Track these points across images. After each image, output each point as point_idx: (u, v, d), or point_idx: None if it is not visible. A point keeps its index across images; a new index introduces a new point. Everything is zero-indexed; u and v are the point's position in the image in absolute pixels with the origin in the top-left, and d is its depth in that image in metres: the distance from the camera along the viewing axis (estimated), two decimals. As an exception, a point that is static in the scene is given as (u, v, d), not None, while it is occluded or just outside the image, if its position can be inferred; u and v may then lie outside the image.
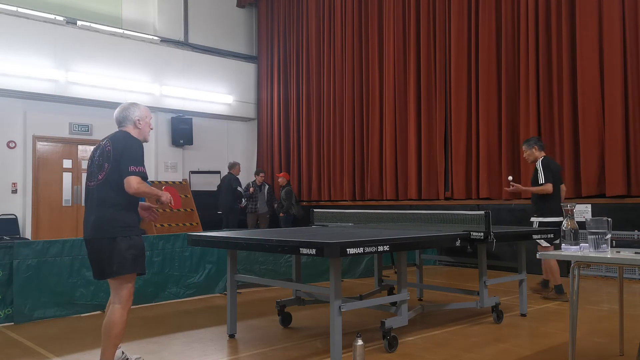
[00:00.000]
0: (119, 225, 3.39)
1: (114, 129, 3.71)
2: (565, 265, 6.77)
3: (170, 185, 3.71)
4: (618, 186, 7.49)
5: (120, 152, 3.40)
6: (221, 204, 11.21)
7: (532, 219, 6.20)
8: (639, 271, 7.14)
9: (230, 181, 11.17)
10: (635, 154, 7.46)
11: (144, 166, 3.45)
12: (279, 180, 11.41)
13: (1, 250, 5.21)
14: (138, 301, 5.93)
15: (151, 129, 3.80)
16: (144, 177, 3.40)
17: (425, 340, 4.40)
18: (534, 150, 6.30)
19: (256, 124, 13.91)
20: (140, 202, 3.65)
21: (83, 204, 3.65)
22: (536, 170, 6.18)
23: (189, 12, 12.85)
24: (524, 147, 6.43)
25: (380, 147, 10.84)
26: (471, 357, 3.95)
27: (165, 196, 3.58)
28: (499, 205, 8.75)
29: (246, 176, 12.79)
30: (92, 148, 3.73)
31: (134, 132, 3.62)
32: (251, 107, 13.75)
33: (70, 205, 11.07)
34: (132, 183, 3.34)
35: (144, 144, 3.65)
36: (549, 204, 6.06)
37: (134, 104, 3.72)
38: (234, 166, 11.35)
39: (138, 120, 3.66)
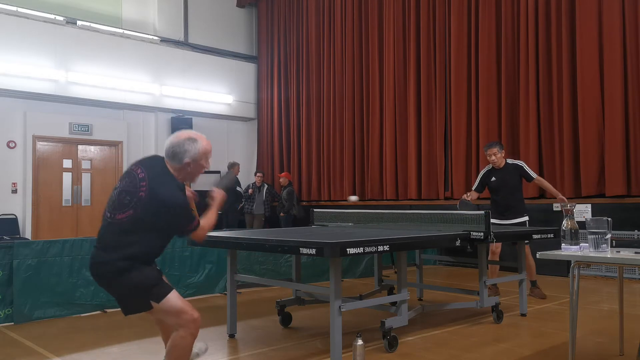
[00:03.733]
0: (115, 269, 2.85)
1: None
2: (565, 265, 6.78)
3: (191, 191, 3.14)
4: (618, 186, 7.49)
5: (158, 207, 2.81)
6: (220, 204, 11.21)
7: (523, 219, 6.16)
8: (639, 271, 7.14)
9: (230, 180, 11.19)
10: (635, 154, 7.46)
11: (194, 216, 2.96)
12: (281, 180, 11.42)
13: (1, 250, 5.21)
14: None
15: (205, 170, 3.10)
16: (198, 227, 2.96)
17: (425, 340, 4.40)
18: (503, 152, 6.30)
19: (256, 124, 13.91)
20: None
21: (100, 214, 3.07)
22: (519, 168, 6.19)
23: (189, 12, 12.86)
24: (495, 149, 6.19)
25: (380, 147, 10.84)
26: (471, 357, 3.95)
27: (215, 205, 3.19)
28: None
29: (246, 176, 12.80)
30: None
31: (177, 174, 2.95)
32: (251, 107, 13.75)
33: (70, 205, 11.06)
34: (200, 236, 2.99)
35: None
36: (523, 203, 6.27)
37: (192, 140, 2.99)
38: (233, 166, 11.34)
39: (189, 162, 2.96)
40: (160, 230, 2.91)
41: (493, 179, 6.26)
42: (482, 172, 6.46)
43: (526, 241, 5.69)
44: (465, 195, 6.32)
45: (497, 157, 6.19)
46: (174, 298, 2.92)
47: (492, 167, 6.29)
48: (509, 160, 6.34)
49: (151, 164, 2.97)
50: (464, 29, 9.47)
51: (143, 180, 2.86)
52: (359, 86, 11.35)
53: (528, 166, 6.37)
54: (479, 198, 6.51)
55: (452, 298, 6.08)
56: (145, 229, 2.85)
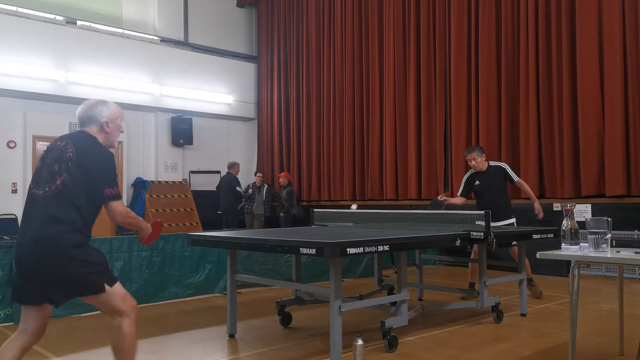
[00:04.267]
0: (71, 244, 2.77)
1: None
2: (565, 265, 6.77)
3: (159, 221, 3.15)
4: (618, 186, 7.49)
5: (88, 167, 2.83)
6: (221, 204, 11.22)
7: (511, 220, 6.14)
8: (639, 271, 7.14)
9: (229, 181, 11.18)
10: (635, 154, 7.46)
11: (117, 185, 2.92)
12: (280, 180, 11.42)
13: (1, 250, 5.21)
14: (138, 301, 5.91)
15: (122, 132, 3.17)
16: (119, 198, 2.90)
17: (425, 340, 4.40)
18: (483, 156, 6.29)
19: (256, 124, 13.91)
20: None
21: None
22: (502, 170, 6.19)
23: (189, 12, 12.86)
24: (475, 154, 6.16)
25: (380, 147, 10.84)
26: (471, 357, 3.95)
27: (146, 232, 3.15)
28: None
29: (246, 176, 12.80)
30: None
31: (100, 137, 3.00)
32: (251, 107, 13.75)
33: (70, 205, 11.05)
34: (119, 211, 2.87)
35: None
36: (510, 204, 6.28)
37: (102, 102, 3.08)
38: (233, 166, 11.36)
39: (106, 122, 3.02)
40: (90, 192, 2.85)
41: (477, 182, 6.23)
42: (465, 176, 6.41)
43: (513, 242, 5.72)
44: (440, 196, 6.31)
45: (477, 161, 6.17)
46: (119, 284, 2.93)
47: (475, 171, 6.27)
48: (492, 163, 6.33)
49: (71, 134, 3.02)
50: (464, 29, 9.47)
51: (67, 146, 2.88)
52: (359, 86, 11.35)
53: (511, 169, 6.34)
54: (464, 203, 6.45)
55: (452, 298, 6.08)
56: (80, 194, 2.81)
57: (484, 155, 6.29)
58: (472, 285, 6.29)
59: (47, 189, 2.83)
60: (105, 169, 2.86)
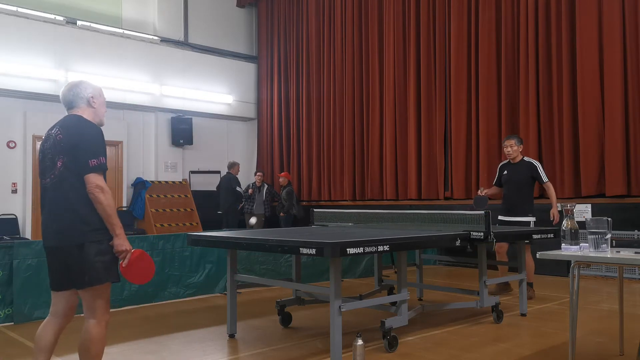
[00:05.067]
0: (87, 229, 2.85)
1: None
2: (565, 265, 6.77)
3: (140, 261, 3.01)
4: (618, 186, 7.49)
5: (76, 142, 2.88)
6: (221, 204, 11.22)
7: (528, 218, 6.19)
8: (639, 271, 7.14)
9: (229, 181, 11.18)
10: (635, 154, 7.46)
11: (105, 155, 2.93)
12: (280, 180, 11.42)
13: (1, 250, 5.21)
14: (138, 301, 5.94)
15: (107, 106, 3.22)
16: (104, 168, 2.91)
17: (425, 340, 4.40)
18: (520, 147, 6.34)
19: (256, 124, 13.91)
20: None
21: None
22: (532, 168, 6.20)
23: (189, 12, 12.86)
24: (513, 141, 6.26)
25: (380, 147, 10.84)
26: (471, 357, 3.95)
27: (122, 244, 2.92)
28: (498, 205, 8.73)
29: (246, 176, 12.80)
30: None
31: (87, 114, 3.02)
32: (251, 107, 13.75)
33: (70, 205, 11.05)
34: (93, 180, 2.84)
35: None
36: (530, 202, 6.30)
37: (82, 80, 3.12)
38: (233, 166, 11.36)
39: (92, 97, 3.05)
40: (82, 168, 2.88)
41: (505, 172, 6.36)
42: (499, 166, 6.58)
43: (526, 241, 5.69)
44: (479, 191, 6.34)
45: (512, 149, 6.24)
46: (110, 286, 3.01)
47: (509, 161, 6.36)
48: (526, 158, 6.37)
49: (60, 120, 3.06)
50: (464, 29, 9.47)
51: (57, 131, 2.96)
52: (359, 86, 11.35)
53: (542, 169, 6.35)
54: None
55: (452, 298, 6.08)
56: (79, 174, 2.86)
57: (521, 146, 6.35)
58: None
59: (52, 176, 2.93)
60: (90, 142, 2.90)
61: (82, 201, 2.86)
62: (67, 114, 3.08)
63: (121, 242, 2.92)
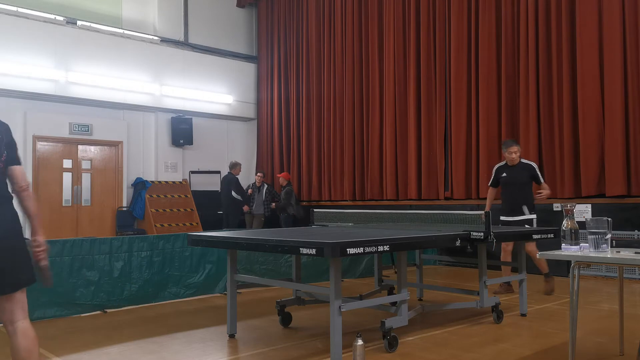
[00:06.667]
0: (20, 225, 2.80)
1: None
2: (565, 265, 6.78)
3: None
4: (618, 186, 7.49)
5: (10, 138, 2.96)
6: (222, 204, 11.21)
7: (532, 216, 6.35)
8: (639, 271, 7.14)
9: (229, 182, 11.12)
10: (635, 154, 7.46)
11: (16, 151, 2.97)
12: (280, 180, 11.42)
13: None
14: (138, 301, 5.94)
15: None
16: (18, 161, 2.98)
17: (425, 340, 4.40)
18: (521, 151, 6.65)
19: (256, 124, 13.91)
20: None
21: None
22: (530, 169, 6.41)
23: (189, 12, 12.86)
24: (518, 148, 6.50)
25: (380, 147, 10.84)
26: (471, 357, 3.95)
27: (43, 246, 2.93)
28: (498, 205, 8.73)
29: (246, 177, 12.80)
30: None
31: None
32: (251, 107, 13.75)
33: (70, 205, 11.06)
34: (21, 176, 2.88)
35: None
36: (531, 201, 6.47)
37: None
38: (234, 167, 11.30)
39: None
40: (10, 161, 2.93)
41: (504, 174, 6.50)
42: (495, 168, 6.73)
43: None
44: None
45: (517, 155, 6.44)
46: None
47: (506, 163, 6.52)
48: (523, 160, 6.58)
49: None
50: (464, 29, 9.47)
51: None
52: (359, 86, 11.35)
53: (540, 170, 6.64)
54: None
55: (452, 298, 6.07)
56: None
57: (520, 150, 6.61)
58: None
59: None
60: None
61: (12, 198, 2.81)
62: None
63: (40, 245, 2.95)
